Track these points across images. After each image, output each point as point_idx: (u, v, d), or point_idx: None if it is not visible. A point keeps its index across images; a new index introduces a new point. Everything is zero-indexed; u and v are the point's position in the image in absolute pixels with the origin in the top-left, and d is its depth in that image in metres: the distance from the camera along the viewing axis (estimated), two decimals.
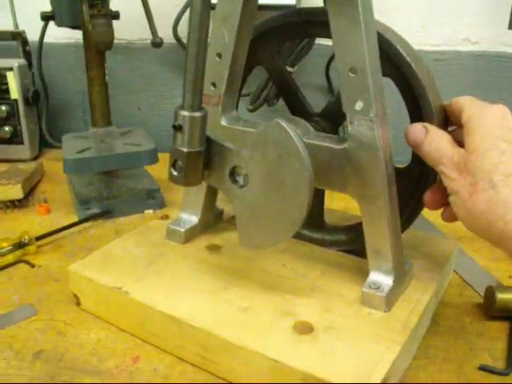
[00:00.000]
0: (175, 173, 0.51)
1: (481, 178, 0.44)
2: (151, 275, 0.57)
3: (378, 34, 0.50)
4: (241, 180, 0.51)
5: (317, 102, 0.65)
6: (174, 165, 0.51)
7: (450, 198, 0.47)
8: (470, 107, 0.48)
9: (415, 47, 0.55)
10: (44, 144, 1.16)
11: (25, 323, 0.58)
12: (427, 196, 0.53)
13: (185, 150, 0.49)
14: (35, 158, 1.13)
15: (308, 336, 0.48)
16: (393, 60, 0.53)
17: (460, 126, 0.49)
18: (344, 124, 0.55)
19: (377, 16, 0.49)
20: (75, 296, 0.60)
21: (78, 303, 0.60)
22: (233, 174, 0.51)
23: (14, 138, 1.08)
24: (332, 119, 0.59)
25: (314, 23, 0.57)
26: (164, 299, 0.53)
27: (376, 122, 0.47)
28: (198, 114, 0.48)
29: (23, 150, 1.10)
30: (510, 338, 0.57)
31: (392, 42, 0.52)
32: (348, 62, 0.47)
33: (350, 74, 0.47)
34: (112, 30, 0.83)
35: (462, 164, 0.46)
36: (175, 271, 0.58)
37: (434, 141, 0.48)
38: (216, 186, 0.54)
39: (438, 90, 0.54)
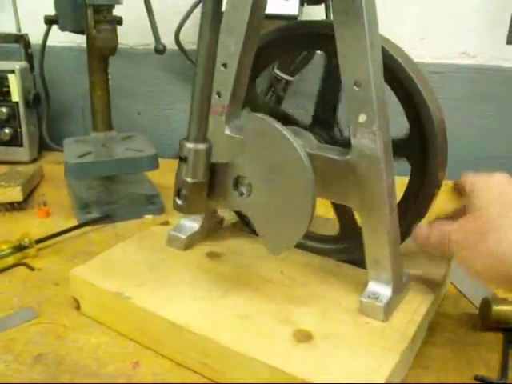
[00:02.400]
0: (179, 201, 0.52)
1: (488, 223, 0.46)
2: (152, 281, 0.58)
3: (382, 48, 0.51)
4: (245, 190, 0.52)
5: None
6: (178, 193, 0.52)
7: (461, 254, 0.50)
8: (471, 180, 0.51)
9: (414, 59, 0.56)
10: (43, 146, 1.17)
11: (25, 326, 0.59)
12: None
13: (189, 180, 0.50)
14: (34, 161, 1.13)
15: (307, 344, 0.49)
16: (395, 73, 0.54)
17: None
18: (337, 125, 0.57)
19: None
20: (75, 300, 0.61)
21: (78, 307, 0.61)
22: (237, 185, 0.52)
23: (14, 140, 1.09)
24: (325, 124, 0.60)
25: (316, 36, 0.58)
26: (165, 305, 0.54)
27: (379, 134, 0.48)
28: (202, 147, 0.50)
29: (23, 152, 1.10)
30: (504, 349, 0.57)
31: (395, 56, 0.53)
32: (352, 76, 0.48)
33: (355, 87, 0.48)
34: (116, 36, 0.84)
35: (467, 225, 0.48)
36: (176, 277, 0.59)
37: (436, 230, 0.51)
38: (224, 207, 0.56)
39: (437, 102, 0.55)
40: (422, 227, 0.53)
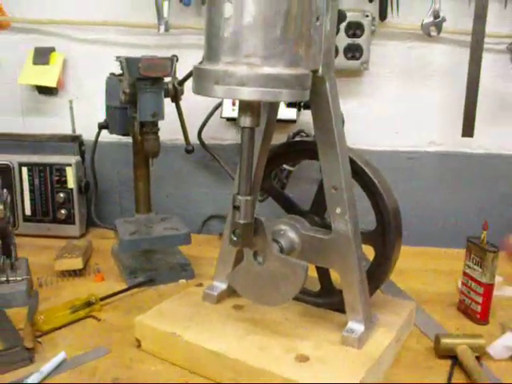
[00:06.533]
0: (235, 238, 0.72)
1: None
2: (195, 325, 0.81)
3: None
4: (260, 259, 0.76)
5: (313, 191, 0.89)
6: (233, 233, 0.71)
7: None
8: None
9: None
10: (89, 224, 1.41)
11: (102, 359, 0.81)
12: None
13: (241, 221, 0.70)
14: (82, 236, 1.37)
15: (305, 363, 0.72)
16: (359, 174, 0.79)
17: None
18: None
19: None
20: (137, 340, 0.84)
21: (139, 346, 0.84)
22: (255, 254, 0.76)
23: (68, 219, 1.34)
24: (319, 211, 0.84)
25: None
26: (207, 340, 0.77)
27: (349, 222, 0.73)
28: (249, 198, 0.70)
29: (74, 229, 1.35)
30: (450, 370, 0.80)
31: (357, 162, 0.79)
32: (331, 183, 0.74)
33: (333, 190, 0.74)
34: (159, 144, 1.08)
35: None
36: (212, 322, 0.82)
37: None
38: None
39: (391, 191, 0.80)
40: None
